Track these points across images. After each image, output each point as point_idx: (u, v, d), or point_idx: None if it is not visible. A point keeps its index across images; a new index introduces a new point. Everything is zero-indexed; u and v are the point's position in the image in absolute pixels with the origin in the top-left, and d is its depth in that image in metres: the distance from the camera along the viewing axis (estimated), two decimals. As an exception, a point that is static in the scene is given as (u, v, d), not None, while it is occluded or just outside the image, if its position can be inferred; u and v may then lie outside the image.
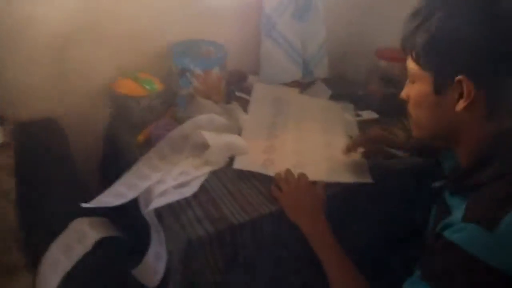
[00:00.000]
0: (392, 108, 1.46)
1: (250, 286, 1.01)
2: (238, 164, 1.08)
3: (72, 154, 1.24)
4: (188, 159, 1.13)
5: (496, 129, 0.72)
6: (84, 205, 0.96)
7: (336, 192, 1.04)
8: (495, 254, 0.61)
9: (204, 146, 1.13)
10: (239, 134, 1.20)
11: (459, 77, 0.70)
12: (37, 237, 1.03)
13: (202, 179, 1.06)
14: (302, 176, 1.02)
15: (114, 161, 1.27)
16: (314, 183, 1.02)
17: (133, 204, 1.01)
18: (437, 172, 1.00)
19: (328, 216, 0.96)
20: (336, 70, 1.67)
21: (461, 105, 0.71)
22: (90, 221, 1.10)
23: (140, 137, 1.17)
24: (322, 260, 0.88)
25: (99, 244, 1.09)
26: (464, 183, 0.75)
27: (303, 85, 1.56)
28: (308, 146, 1.18)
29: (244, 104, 1.37)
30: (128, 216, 1.05)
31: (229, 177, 1.07)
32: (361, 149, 1.09)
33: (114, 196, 1.00)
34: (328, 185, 1.03)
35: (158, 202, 0.95)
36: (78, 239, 1.07)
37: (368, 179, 1.06)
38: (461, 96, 0.71)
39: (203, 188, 1.03)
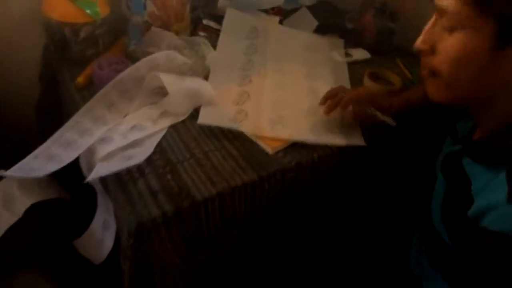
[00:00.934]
0: (388, 46, 1.26)
1: (216, 262, 0.86)
2: (203, 118, 0.88)
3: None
4: (141, 109, 0.91)
5: None
6: (1, 173, 0.75)
7: (325, 155, 0.86)
8: None
9: (162, 93, 0.91)
10: (206, 78, 0.98)
11: None
12: None
13: (159, 137, 0.85)
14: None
15: (52, 109, 1.03)
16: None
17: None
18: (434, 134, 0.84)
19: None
20: (324, -5, 1.41)
21: None
22: (20, 183, 0.90)
23: (80, 79, 0.93)
24: None
25: (35, 210, 0.90)
26: (492, 150, 0.61)
27: (285, 13, 1.30)
28: (289, 95, 0.98)
29: (213, 36, 1.13)
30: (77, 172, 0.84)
31: (192, 135, 0.87)
32: (349, 108, 0.89)
33: (44, 159, 0.79)
34: (315, 147, 0.85)
35: (100, 170, 0.75)
36: (4, 204, 0.87)
37: (360, 141, 0.89)
38: None
39: (159, 149, 0.83)
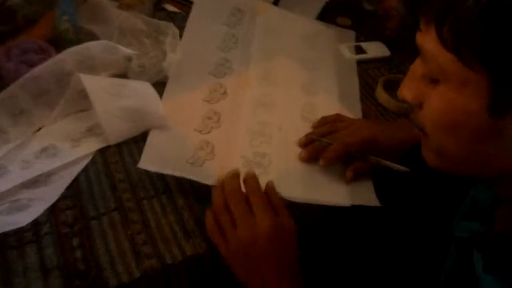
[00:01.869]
0: (414, 42, 0.97)
1: None
2: (147, 160, 0.60)
3: None
4: (61, 121, 0.65)
5: None
6: None
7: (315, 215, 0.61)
8: None
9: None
10: (163, 84, 0.71)
11: None
12: None
13: (76, 170, 0.60)
14: (267, 200, 0.55)
15: None
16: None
17: None
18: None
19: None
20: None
21: None
22: None
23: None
24: None
25: None
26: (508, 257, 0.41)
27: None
28: (277, 118, 0.70)
29: (182, 15, 0.84)
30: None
31: (127, 169, 0.62)
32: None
33: None
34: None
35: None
36: None
37: (373, 201, 0.63)
38: None
39: (73, 190, 0.58)
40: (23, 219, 0.53)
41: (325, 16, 0.98)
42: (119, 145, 0.64)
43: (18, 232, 0.53)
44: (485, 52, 0.34)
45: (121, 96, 0.64)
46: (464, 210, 0.55)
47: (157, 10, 0.85)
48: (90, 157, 0.62)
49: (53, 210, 0.56)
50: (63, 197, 0.57)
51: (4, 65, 0.65)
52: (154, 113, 0.65)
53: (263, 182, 0.58)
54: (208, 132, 0.66)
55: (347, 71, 0.85)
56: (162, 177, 0.61)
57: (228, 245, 0.52)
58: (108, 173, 0.61)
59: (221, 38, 0.78)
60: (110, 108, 0.63)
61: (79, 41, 0.68)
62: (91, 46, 0.65)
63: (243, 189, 0.55)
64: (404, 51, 0.93)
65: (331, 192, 0.62)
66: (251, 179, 0.56)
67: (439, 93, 0.40)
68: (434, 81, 0.41)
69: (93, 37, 0.73)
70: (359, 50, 0.92)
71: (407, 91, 0.44)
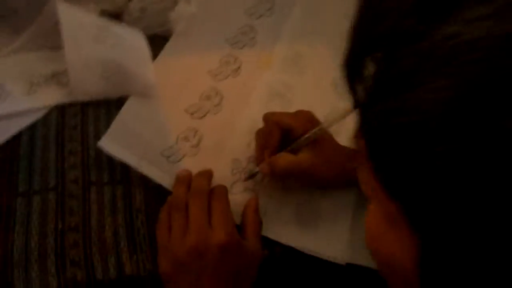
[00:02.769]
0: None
1: None
2: (112, 137, 0.47)
3: None
4: (24, 56, 0.51)
5: None
6: None
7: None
8: None
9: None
10: (166, 36, 0.55)
11: None
12: None
13: (22, 124, 0.47)
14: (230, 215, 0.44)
15: None
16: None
17: None
18: None
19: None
20: None
21: None
22: None
23: None
24: None
25: None
26: None
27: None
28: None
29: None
30: None
31: (79, 140, 0.48)
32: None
33: None
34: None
35: None
36: None
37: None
38: None
39: (9, 150, 0.45)
40: None
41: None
42: (85, 106, 0.50)
43: None
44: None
45: (102, 43, 0.49)
46: None
47: None
48: (44, 112, 0.48)
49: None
50: (-7, 156, 0.45)
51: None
52: (138, 75, 0.50)
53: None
54: (201, 117, 0.51)
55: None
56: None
57: (171, 246, 0.41)
58: (60, 139, 0.47)
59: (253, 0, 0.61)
60: (84, 54, 0.48)
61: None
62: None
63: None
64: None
65: (327, 240, 0.47)
66: (222, 187, 0.46)
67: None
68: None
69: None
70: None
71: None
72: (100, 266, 0.41)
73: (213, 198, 0.43)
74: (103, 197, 0.45)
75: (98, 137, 0.47)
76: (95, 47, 0.49)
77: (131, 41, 0.51)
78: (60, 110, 0.49)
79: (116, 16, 0.54)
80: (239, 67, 0.56)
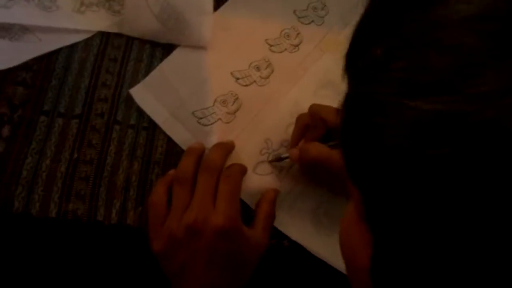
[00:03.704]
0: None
1: None
2: (146, 85, 0.45)
3: None
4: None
5: None
6: None
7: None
8: None
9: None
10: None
11: None
12: None
13: (63, 43, 0.45)
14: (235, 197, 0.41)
15: None
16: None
17: None
18: None
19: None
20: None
21: None
22: None
23: None
24: None
25: None
26: None
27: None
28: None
29: None
30: None
31: (124, 79, 0.46)
32: None
33: None
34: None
35: None
36: None
37: None
38: None
39: (43, 67, 0.44)
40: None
41: None
42: (130, 40, 0.47)
43: None
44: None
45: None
46: None
47: None
48: (87, 35, 0.46)
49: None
50: (22, 66, 0.43)
51: None
52: (195, 25, 0.47)
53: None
54: (246, 86, 0.48)
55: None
56: (157, 108, 0.45)
57: (168, 221, 0.38)
58: (96, 68, 0.45)
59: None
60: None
61: None
62: None
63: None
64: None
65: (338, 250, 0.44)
66: (239, 167, 0.43)
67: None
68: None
69: None
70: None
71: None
72: (103, 207, 0.40)
73: (222, 177, 0.40)
74: (124, 139, 0.43)
75: (135, 76, 0.45)
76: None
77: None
78: (105, 37, 0.46)
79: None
80: (299, 44, 0.52)
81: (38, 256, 0.44)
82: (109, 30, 0.46)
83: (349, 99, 0.22)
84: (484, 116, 0.16)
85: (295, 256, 0.44)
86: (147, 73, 0.46)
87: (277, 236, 0.43)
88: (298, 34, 0.53)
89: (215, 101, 0.46)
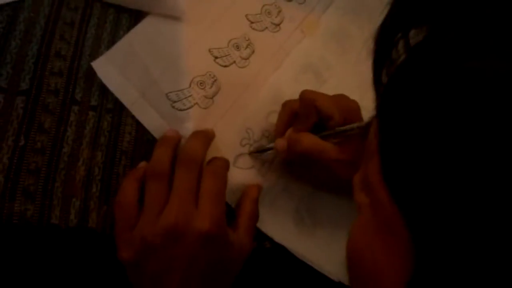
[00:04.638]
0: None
1: None
2: (110, 57, 0.37)
3: None
4: None
5: None
6: None
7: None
8: None
9: None
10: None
11: None
12: None
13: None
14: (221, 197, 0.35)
15: None
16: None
17: None
18: None
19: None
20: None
21: None
22: None
23: None
24: None
25: None
26: None
27: None
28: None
29: None
30: None
31: (83, 47, 0.37)
32: None
33: None
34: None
35: None
36: None
37: None
38: None
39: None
40: None
41: None
42: (91, 1, 0.39)
43: None
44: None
45: None
46: None
47: None
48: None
49: None
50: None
51: None
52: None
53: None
54: (225, 66, 0.43)
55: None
56: (123, 87, 0.37)
57: (140, 225, 0.32)
58: (48, 34, 0.36)
59: None
60: None
61: None
62: None
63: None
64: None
65: (323, 251, 0.42)
66: (223, 161, 0.37)
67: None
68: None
69: None
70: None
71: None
72: (59, 207, 0.33)
73: (207, 172, 0.35)
74: (85, 123, 0.35)
75: (96, 46, 0.37)
76: None
77: None
78: (60, -3, 0.37)
79: None
80: (280, 23, 0.47)
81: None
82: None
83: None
84: None
85: (277, 259, 0.40)
86: (111, 43, 0.38)
87: (258, 237, 0.39)
88: (279, 12, 0.48)
89: (191, 82, 0.40)
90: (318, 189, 0.43)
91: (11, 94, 0.33)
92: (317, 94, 0.39)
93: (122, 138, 0.36)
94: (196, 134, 0.37)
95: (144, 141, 0.37)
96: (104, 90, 0.36)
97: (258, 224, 0.39)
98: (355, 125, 0.38)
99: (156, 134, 0.38)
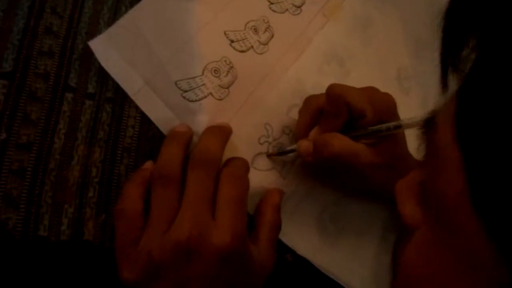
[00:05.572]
0: None
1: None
2: (110, 36, 0.31)
3: None
4: None
5: None
6: None
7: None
8: None
9: None
10: None
11: None
12: None
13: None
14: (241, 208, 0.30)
15: None
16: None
17: None
18: None
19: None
20: None
21: None
22: None
23: None
24: None
25: None
26: None
27: None
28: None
29: None
30: None
31: (82, 23, 0.31)
32: None
33: None
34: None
35: None
36: None
37: None
38: None
39: None
40: None
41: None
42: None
43: None
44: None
45: None
46: None
47: None
48: None
49: None
50: None
51: None
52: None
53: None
54: (242, 51, 0.37)
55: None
56: (126, 72, 0.32)
57: (145, 239, 0.27)
58: (37, 5, 0.30)
59: None
60: None
61: None
62: None
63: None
64: None
65: (347, 264, 0.37)
66: (243, 162, 0.32)
67: None
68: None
69: None
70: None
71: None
72: (48, 217, 0.27)
73: (225, 176, 0.29)
74: (81, 114, 0.29)
75: (95, 23, 0.31)
76: None
77: None
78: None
79: None
80: (301, 5, 0.42)
81: None
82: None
83: None
84: None
85: (300, 273, 0.35)
86: (111, 20, 0.32)
87: (279, 249, 0.34)
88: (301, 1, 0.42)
89: (204, 68, 0.35)
90: (345, 195, 0.38)
91: (-10, 76, 0.27)
92: (347, 89, 0.34)
93: (124, 132, 0.31)
94: (212, 129, 0.32)
95: (150, 137, 0.31)
96: (103, 75, 0.31)
97: (280, 235, 0.34)
98: (391, 124, 0.33)
99: (164, 128, 0.32)
